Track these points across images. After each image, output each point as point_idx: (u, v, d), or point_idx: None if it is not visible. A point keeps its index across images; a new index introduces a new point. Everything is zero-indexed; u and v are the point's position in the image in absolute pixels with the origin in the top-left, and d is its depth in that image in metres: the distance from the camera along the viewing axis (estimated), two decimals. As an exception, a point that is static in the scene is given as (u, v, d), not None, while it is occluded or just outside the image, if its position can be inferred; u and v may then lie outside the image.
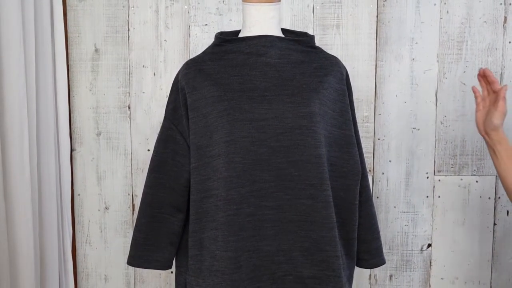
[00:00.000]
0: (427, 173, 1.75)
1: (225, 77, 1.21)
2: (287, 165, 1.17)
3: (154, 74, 1.77)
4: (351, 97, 1.31)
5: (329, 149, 1.23)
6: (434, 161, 1.75)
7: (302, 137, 1.18)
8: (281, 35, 1.30)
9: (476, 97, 1.26)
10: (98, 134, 1.79)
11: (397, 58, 1.73)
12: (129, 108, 1.78)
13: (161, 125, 1.30)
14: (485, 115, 1.25)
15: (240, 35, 1.30)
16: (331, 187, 1.21)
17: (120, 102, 1.78)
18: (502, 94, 1.19)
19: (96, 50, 1.77)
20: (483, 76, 1.24)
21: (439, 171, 1.76)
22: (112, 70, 1.76)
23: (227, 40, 1.26)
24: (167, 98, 1.30)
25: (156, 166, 1.26)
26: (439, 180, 1.76)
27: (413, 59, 1.73)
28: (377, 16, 1.73)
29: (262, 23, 1.28)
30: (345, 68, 1.31)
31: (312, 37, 1.31)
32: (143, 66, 1.76)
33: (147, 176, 1.28)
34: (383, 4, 1.73)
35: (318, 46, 1.32)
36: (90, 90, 1.78)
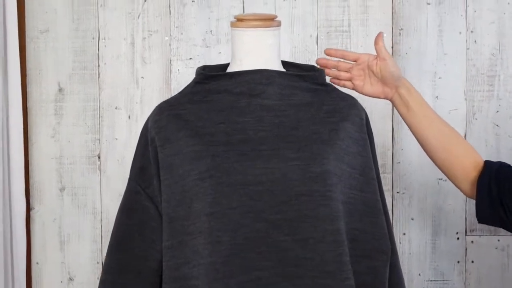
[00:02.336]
0: (457, 233, 1.56)
1: (208, 125, 0.97)
2: (293, 245, 0.92)
3: (129, 117, 1.56)
4: (373, 148, 1.05)
5: (348, 220, 0.98)
6: (466, 219, 1.55)
7: (313, 207, 0.93)
8: (281, 69, 1.07)
9: (334, 77, 1.16)
10: (62, 190, 1.58)
11: None
12: (99, 158, 1.57)
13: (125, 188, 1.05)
14: (372, 80, 1.14)
15: (229, 69, 1.06)
16: (353, 271, 0.94)
17: (88, 151, 1.57)
18: (381, 43, 1.12)
19: (60, 90, 1.57)
20: (327, 62, 1.15)
21: (471, 231, 1.56)
22: (79, 113, 1.56)
23: (211, 77, 1.02)
24: (134, 152, 1.05)
25: (119, 244, 1.01)
26: (472, 242, 1.56)
27: (437, 97, 1.54)
28: (392, 47, 1.54)
29: (256, 53, 1.04)
30: (364, 110, 1.07)
31: (321, 72, 1.06)
32: (115, 108, 1.56)
33: (106, 257, 1.03)
34: (399, 33, 1.53)
35: (329, 83, 1.08)
36: (53, 137, 1.57)
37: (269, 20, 1.05)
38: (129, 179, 1.03)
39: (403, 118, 1.16)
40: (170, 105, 1.01)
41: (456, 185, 1.14)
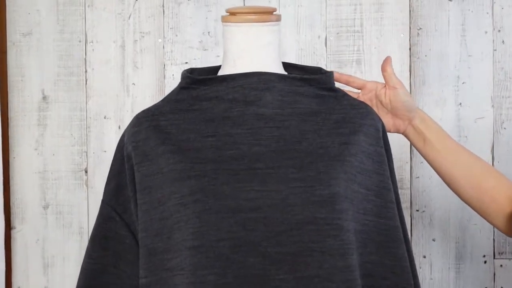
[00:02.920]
0: (484, 256, 1.41)
1: (194, 139, 0.84)
2: (295, 285, 0.78)
3: (119, 128, 1.43)
4: (391, 164, 0.91)
5: (362, 251, 0.83)
6: (494, 240, 1.41)
7: (319, 238, 0.79)
8: (282, 71, 0.93)
9: None
10: (45, 207, 1.45)
11: (438, 103, 1.40)
12: (86, 172, 1.44)
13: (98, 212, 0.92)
14: (381, 111, 1.01)
15: (220, 72, 0.93)
16: None
17: (74, 165, 1.44)
18: (390, 69, 0.99)
19: (44, 98, 1.44)
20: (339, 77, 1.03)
21: (500, 254, 1.42)
22: (64, 123, 1.43)
23: (199, 81, 0.89)
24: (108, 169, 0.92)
25: (90, 279, 0.88)
26: (501, 266, 1.41)
27: (460, 104, 1.40)
28: (410, 49, 1.40)
29: (252, 53, 0.90)
30: (380, 120, 0.92)
31: (329, 75, 0.92)
32: (104, 118, 1.43)
33: None
34: (418, 33, 1.39)
35: (339, 88, 0.94)
36: (36, 150, 1.44)
37: (267, 14, 0.91)
38: (102, 201, 0.90)
39: (420, 153, 1.03)
40: (150, 115, 0.88)
41: (489, 222, 1.00)
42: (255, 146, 0.82)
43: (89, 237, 0.90)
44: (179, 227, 0.79)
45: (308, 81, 0.89)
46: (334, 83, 0.92)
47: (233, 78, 0.87)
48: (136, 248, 0.85)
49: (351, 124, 0.86)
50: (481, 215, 1.00)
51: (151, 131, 0.85)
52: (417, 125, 0.99)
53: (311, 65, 1.37)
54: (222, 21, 0.91)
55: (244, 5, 1.39)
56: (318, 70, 0.94)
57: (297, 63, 1.37)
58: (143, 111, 0.89)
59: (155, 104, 0.91)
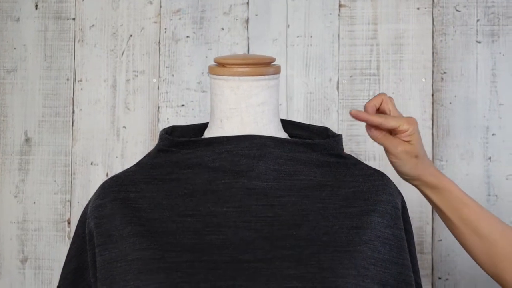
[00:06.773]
0: None
1: (168, 218, 0.69)
2: None
3: (107, 175, 1.30)
4: (412, 248, 0.75)
5: None
6: None
7: None
8: (281, 133, 0.78)
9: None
10: (23, 261, 1.31)
11: (464, 157, 1.25)
12: (69, 223, 1.30)
13: None
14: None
15: (207, 133, 0.78)
16: None
17: (56, 215, 1.30)
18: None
19: (27, 140, 1.31)
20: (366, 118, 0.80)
21: None
22: (47, 169, 1.30)
23: (180, 144, 0.74)
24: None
25: None
26: None
27: (489, 158, 1.24)
28: (432, 95, 1.25)
29: (243, 112, 0.76)
30: (400, 194, 0.76)
31: (338, 139, 0.77)
32: (91, 164, 1.30)
33: None
34: (441, 78, 1.24)
35: (349, 155, 0.78)
36: (16, 197, 1.31)
37: (263, 66, 0.76)
38: (58, 287, 0.75)
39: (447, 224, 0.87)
40: (118, 185, 0.72)
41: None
42: (242, 231, 0.66)
43: None
44: None
45: (312, 146, 0.74)
46: (342, 148, 0.77)
47: (220, 142, 0.72)
48: None
49: (364, 202, 0.71)
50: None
51: (117, 206, 0.70)
52: (425, 193, 0.83)
53: (320, 111, 1.24)
54: (209, 73, 0.77)
55: (248, 44, 1.25)
56: (324, 131, 0.78)
57: (305, 108, 1.24)
58: (111, 179, 0.74)
59: (127, 169, 0.76)
